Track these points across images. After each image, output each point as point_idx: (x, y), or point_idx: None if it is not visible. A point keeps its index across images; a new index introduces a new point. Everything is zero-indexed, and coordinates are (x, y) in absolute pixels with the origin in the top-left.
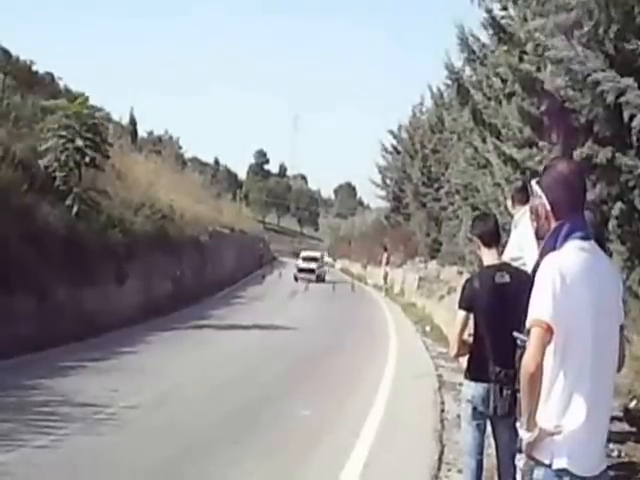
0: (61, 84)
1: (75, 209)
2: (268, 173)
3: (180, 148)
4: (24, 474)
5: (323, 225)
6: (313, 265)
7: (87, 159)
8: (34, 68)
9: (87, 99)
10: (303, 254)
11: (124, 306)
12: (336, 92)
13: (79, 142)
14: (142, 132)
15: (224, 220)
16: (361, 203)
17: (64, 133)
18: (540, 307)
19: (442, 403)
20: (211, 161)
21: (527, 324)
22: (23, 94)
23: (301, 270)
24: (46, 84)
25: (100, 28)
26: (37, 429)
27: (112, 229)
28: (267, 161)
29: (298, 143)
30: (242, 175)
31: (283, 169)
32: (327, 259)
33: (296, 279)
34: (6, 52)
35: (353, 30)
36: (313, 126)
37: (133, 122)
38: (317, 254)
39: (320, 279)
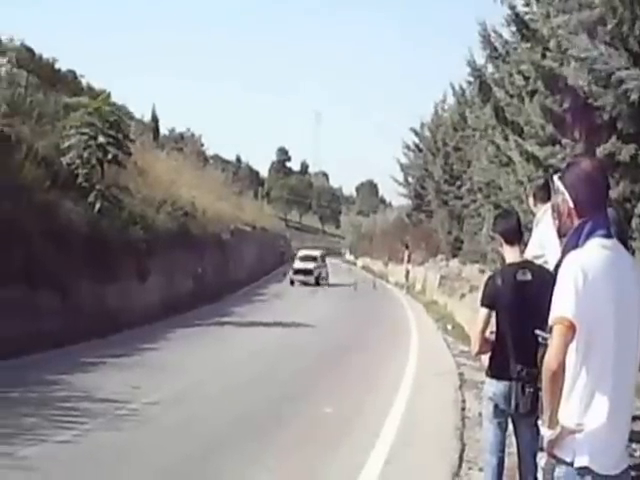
0: (83, 82)
1: (97, 206)
2: (290, 171)
3: (202, 145)
4: (47, 468)
5: (345, 223)
6: (311, 265)
7: (109, 156)
8: (57, 66)
9: (109, 96)
10: (300, 253)
11: (145, 303)
12: (358, 89)
13: (101, 139)
14: (164, 129)
15: (246, 218)
16: (383, 201)
17: (86, 130)
18: (563, 305)
19: (463, 401)
20: (233, 159)
21: (550, 321)
22: (46, 92)
23: (297, 272)
24: (68, 82)
25: (121, 26)
26: (59, 424)
27: (134, 226)
28: (289, 158)
29: (320, 141)
30: (264, 173)
31: (305, 166)
32: (348, 256)
33: (292, 282)
34: (29, 50)
35: (376, 26)
36: (335, 123)
37: (155, 119)
38: (316, 253)
39: (319, 281)
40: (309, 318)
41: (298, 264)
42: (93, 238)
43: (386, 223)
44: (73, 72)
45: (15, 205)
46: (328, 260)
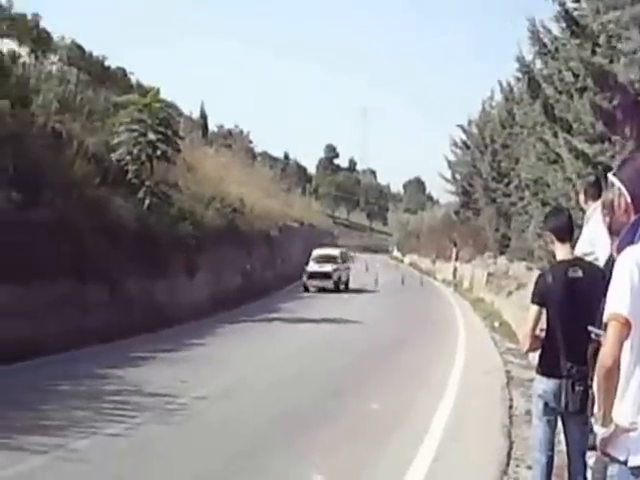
0: (133, 79)
1: (147, 202)
2: (337, 168)
3: (250, 142)
4: (98, 461)
5: (392, 220)
6: (328, 267)
7: (159, 152)
8: (106, 63)
9: (158, 93)
10: (316, 253)
11: (194, 298)
12: (407, 86)
13: (151, 136)
14: (212, 126)
15: (294, 214)
16: (430, 198)
17: (136, 127)
18: (618, 301)
19: (510, 399)
20: (281, 156)
21: (604, 318)
22: (96, 89)
23: (312, 275)
24: (118, 79)
25: (169, 24)
26: (110, 417)
27: (183, 222)
28: (337, 155)
29: (368, 138)
30: (312, 170)
31: (352, 163)
32: (396, 253)
33: (306, 289)
34: (80, 48)
35: (425, 23)
36: (383, 120)
37: (203, 116)
38: (335, 252)
39: (339, 286)
40: (356, 314)
41: (313, 266)
42: (142, 234)
43: (433, 220)
44: (123, 69)
45: (66, 201)
46: (375, 257)
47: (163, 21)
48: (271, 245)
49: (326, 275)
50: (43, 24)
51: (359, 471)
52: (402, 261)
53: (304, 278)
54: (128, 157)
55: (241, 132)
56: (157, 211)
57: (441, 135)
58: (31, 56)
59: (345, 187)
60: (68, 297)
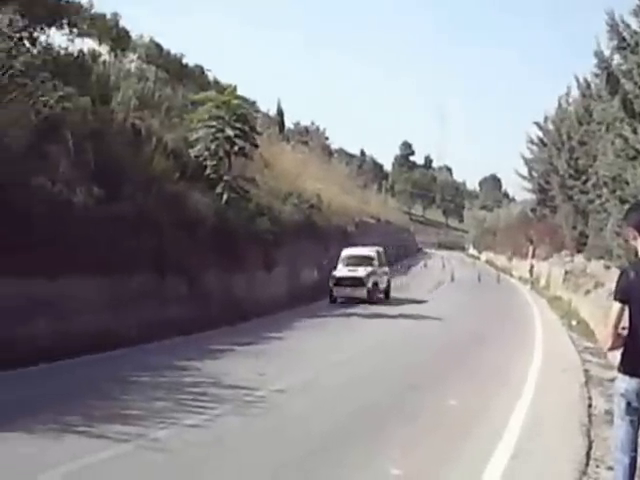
0: (210, 76)
1: (225, 197)
2: (413, 164)
3: (327, 139)
4: (178, 450)
5: (468, 217)
6: (361, 272)
7: (236, 148)
8: (184, 61)
9: (236, 89)
10: (345, 253)
11: (271, 293)
12: (482, 83)
13: (229, 132)
14: (289, 123)
15: (370, 210)
16: (506, 195)
17: (214, 123)
18: None
19: (589, 398)
20: (357, 152)
21: None
22: (174, 86)
23: (339, 281)
24: (196, 76)
25: (244, 20)
26: (189, 408)
27: (260, 217)
28: (412, 152)
29: (443, 135)
30: (387, 166)
31: (428, 160)
32: (472, 251)
33: (333, 299)
34: (158, 46)
35: (500, 18)
36: (459, 118)
37: (280, 113)
38: (370, 252)
39: (374, 295)
40: (433, 311)
41: (341, 270)
42: (220, 229)
43: (510, 218)
44: (200, 67)
45: (145, 196)
46: (451, 254)
47: (238, 20)
48: (348, 240)
49: (357, 281)
50: (122, 23)
51: (436, 467)
52: (478, 258)
53: (330, 284)
54: (206, 153)
55: (317, 129)
56: (235, 206)
57: (517, 132)
58: (111, 55)
59: (421, 184)
60: (148, 290)
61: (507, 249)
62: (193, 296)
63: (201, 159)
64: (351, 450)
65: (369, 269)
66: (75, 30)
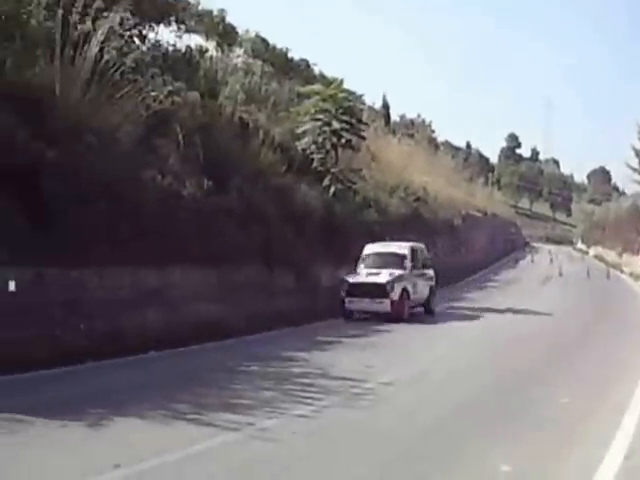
0: (316, 70)
1: (332, 190)
2: (520, 157)
3: (432, 132)
4: (287, 440)
5: (576, 211)
6: (383, 276)
7: (343, 141)
8: (290, 55)
9: (342, 83)
10: (369, 249)
11: None
12: (589, 73)
13: (335, 125)
14: (395, 116)
15: (476, 203)
16: (616, 188)
17: (321, 116)
18: None
19: None
20: (463, 145)
21: None
22: (280, 80)
23: (353, 290)
24: (301, 70)
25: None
26: (297, 399)
27: (367, 209)
28: (519, 145)
29: (550, 127)
30: (493, 159)
31: (535, 153)
32: (580, 245)
33: (347, 314)
34: (264, 41)
35: (603, 12)
36: (566, 109)
37: (386, 106)
38: (402, 249)
39: (404, 310)
40: (542, 306)
41: (361, 274)
42: (328, 221)
43: (620, 211)
44: (306, 61)
45: (253, 189)
46: (559, 249)
47: (343, 15)
48: (454, 234)
49: (378, 290)
50: (228, 19)
51: (546, 465)
52: (587, 253)
53: (342, 294)
54: (313, 146)
55: (423, 121)
56: (342, 198)
57: (628, 122)
58: (218, 50)
59: (528, 177)
60: (256, 282)
61: (617, 244)
62: (301, 288)
63: (308, 152)
64: (459, 443)
65: (397, 272)
66: (183, 27)
